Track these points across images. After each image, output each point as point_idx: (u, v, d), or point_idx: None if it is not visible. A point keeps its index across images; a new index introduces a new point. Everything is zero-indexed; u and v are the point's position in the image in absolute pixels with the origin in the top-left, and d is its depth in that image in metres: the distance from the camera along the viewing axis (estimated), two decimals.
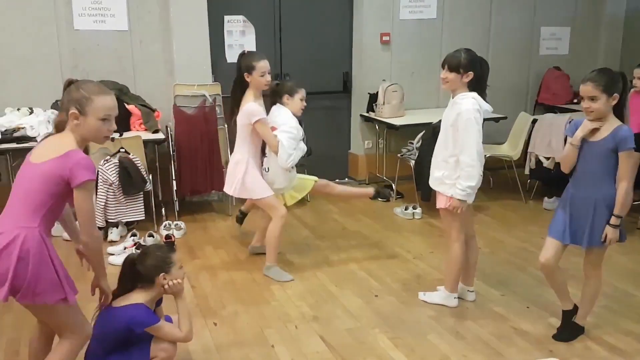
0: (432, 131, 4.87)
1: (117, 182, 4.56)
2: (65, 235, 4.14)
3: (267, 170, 3.90)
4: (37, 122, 4.56)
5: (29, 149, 4.36)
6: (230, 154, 4.14)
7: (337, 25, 6.02)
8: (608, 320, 3.34)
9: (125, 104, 4.92)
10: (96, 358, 2.56)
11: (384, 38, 5.99)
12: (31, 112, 4.74)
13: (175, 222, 4.82)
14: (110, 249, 4.34)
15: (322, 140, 5.83)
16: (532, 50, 6.68)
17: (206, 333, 3.23)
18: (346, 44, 6.09)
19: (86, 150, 2.37)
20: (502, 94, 6.01)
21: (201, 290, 3.78)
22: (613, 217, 2.85)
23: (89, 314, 2.62)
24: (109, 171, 4.53)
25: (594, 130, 2.86)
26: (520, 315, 3.41)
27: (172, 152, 5.13)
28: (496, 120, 5.67)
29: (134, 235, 4.51)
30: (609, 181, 2.87)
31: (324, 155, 5.81)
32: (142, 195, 4.72)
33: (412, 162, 5.43)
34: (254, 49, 5.47)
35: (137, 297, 2.57)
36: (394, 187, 5.77)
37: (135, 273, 2.59)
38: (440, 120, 3.38)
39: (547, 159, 5.32)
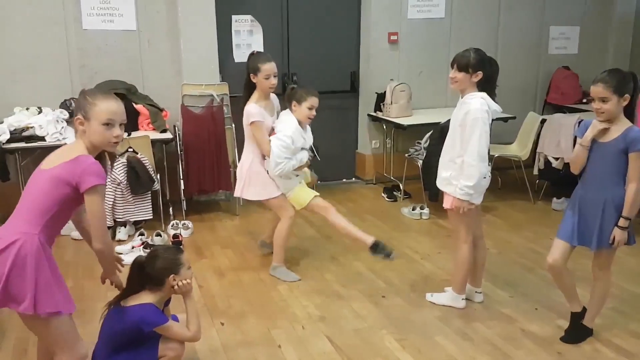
0: (440, 131, 4.85)
1: (125, 182, 4.58)
2: (74, 234, 4.20)
3: (267, 172, 3.88)
4: (45, 121, 4.59)
5: (38, 148, 4.48)
6: (238, 153, 4.13)
7: (345, 25, 6.01)
8: (617, 322, 3.31)
9: (134, 104, 4.94)
10: (104, 357, 2.57)
11: (392, 37, 5.97)
12: (40, 112, 4.76)
13: (182, 222, 4.84)
14: (118, 248, 4.34)
15: (330, 140, 5.82)
16: (541, 50, 6.64)
17: (213, 333, 3.24)
18: (354, 43, 6.08)
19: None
20: (510, 93, 5.99)
21: (208, 290, 3.79)
22: (621, 219, 2.83)
23: (97, 313, 2.63)
24: (117, 170, 4.54)
25: (604, 131, 2.84)
26: (528, 317, 3.39)
27: (180, 151, 5.14)
28: (505, 120, 5.65)
29: (141, 234, 4.53)
30: (619, 182, 2.85)
31: (331, 155, 5.80)
32: (149, 195, 4.74)
33: (420, 162, 5.41)
34: (261, 48, 5.49)
35: (147, 298, 2.57)
36: (401, 187, 5.76)
37: (144, 275, 2.59)
38: (448, 120, 3.36)
39: (556, 159, 5.29)
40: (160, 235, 4.54)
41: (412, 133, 5.73)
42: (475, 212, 3.33)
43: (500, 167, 5.75)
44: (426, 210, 5.16)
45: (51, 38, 5.00)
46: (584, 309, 3.15)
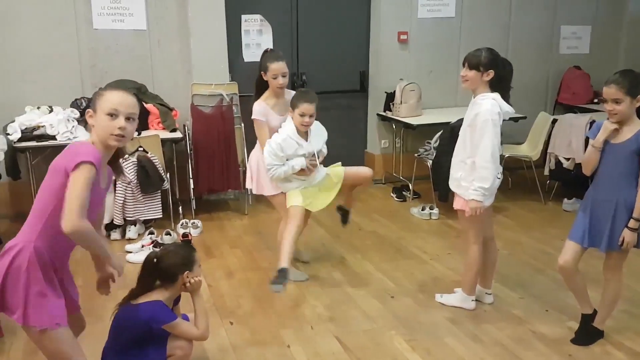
0: (450, 131, 4.83)
1: (135, 181, 4.60)
2: None
3: None
4: (56, 120, 4.62)
5: (49, 147, 4.50)
6: (247, 153, 4.14)
7: (355, 24, 6.00)
8: (628, 324, 3.29)
9: (144, 103, 4.95)
10: (113, 354, 2.58)
11: (402, 37, 5.95)
12: (51, 111, 4.79)
13: (192, 221, 4.85)
14: (127, 247, 4.38)
15: (339, 139, 5.77)
16: (552, 49, 6.60)
17: (222, 332, 3.24)
18: (363, 42, 6.07)
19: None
20: (521, 93, 5.90)
21: (217, 290, 3.79)
22: (632, 220, 2.80)
23: (108, 312, 2.64)
24: (127, 170, 4.56)
25: (616, 132, 2.81)
26: (539, 319, 3.37)
27: (190, 150, 5.16)
28: (515, 120, 5.60)
29: (151, 233, 4.55)
30: (631, 184, 2.82)
31: (340, 154, 5.76)
32: (159, 194, 4.76)
33: (430, 162, 5.39)
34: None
35: (157, 295, 2.58)
36: (410, 187, 5.74)
37: (158, 271, 2.59)
38: (458, 120, 3.35)
39: (567, 159, 5.26)
40: (170, 234, 4.56)
41: (422, 133, 5.71)
42: (485, 214, 3.30)
43: (511, 167, 5.72)
44: (435, 211, 5.15)
45: (62, 38, 5.02)
46: (595, 311, 3.13)
